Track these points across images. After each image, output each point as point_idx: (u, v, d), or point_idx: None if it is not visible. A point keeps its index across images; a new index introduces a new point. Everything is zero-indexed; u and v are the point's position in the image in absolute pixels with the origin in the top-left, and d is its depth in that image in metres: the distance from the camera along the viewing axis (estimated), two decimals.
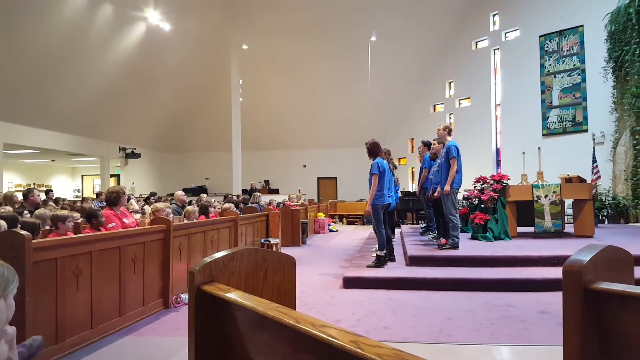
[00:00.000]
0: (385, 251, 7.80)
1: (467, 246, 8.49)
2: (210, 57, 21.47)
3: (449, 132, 8.51)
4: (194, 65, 21.35)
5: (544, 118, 16.47)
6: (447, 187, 7.98)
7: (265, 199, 15.68)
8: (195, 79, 22.16)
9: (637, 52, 12.86)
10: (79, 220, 6.71)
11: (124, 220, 6.28)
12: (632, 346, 1.89)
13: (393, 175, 8.56)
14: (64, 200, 14.31)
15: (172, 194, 14.01)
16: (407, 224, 16.11)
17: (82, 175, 28.78)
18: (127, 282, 5.30)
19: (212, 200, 13.05)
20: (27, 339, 1.83)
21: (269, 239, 11.11)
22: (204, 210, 9.08)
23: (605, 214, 13.63)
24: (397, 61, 20.88)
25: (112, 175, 22.06)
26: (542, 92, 16.58)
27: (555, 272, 6.35)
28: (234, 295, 1.81)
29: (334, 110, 23.30)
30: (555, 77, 16.17)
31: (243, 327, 1.81)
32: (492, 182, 9.83)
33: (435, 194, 8.88)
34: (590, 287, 1.96)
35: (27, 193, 8.28)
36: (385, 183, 7.71)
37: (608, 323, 1.96)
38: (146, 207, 11.14)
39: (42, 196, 10.87)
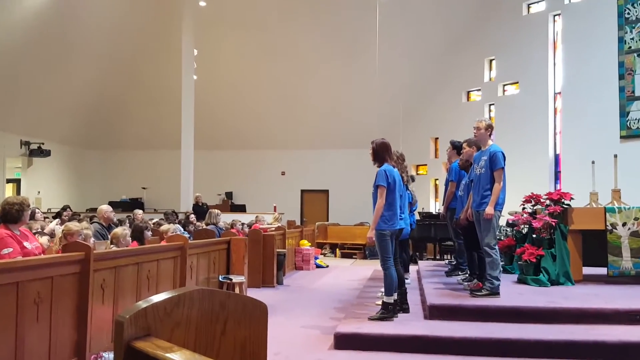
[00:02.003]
0: (395, 297, 7.77)
1: (512, 293, 8.52)
2: (151, 18, 21.46)
3: (491, 133, 8.48)
4: (129, 30, 21.30)
5: (623, 114, 16.54)
6: (489, 209, 7.87)
7: (226, 218, 15.65)
8: (131, 49, 22.11)
9: None
10: None
11: (25, 244, 6.22)
12: None
13: (407, 189, 8.53)
14: None
15: (95, 209, 13.95)
16: (428, 259, 16.13)
17: None
18: (26, 332, 5.23)
19: (151, 220, 13.00)
20: None
21: (231, 277, 11.06)
22: (138, 233, 9.02)
23: None
24: (416, 29, 20.99)
25: (9, 181, 21.91)
26: (621, 78, 16.67)
27: (637, 333, 6.36)
28: (178, 356, 1.78)
29: (325, 97, 23.36)
30: (639, 56, 16.29)
31: None
32: (548, 202, 9.84)
33: (462, 216, 8.86)
34: None
35: None
36: (396, 200, 7.68)
37: None
38: (56, 226, 11.07)
39: None
